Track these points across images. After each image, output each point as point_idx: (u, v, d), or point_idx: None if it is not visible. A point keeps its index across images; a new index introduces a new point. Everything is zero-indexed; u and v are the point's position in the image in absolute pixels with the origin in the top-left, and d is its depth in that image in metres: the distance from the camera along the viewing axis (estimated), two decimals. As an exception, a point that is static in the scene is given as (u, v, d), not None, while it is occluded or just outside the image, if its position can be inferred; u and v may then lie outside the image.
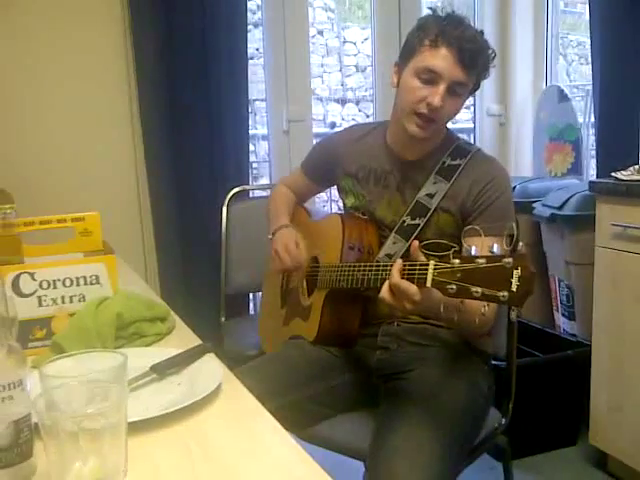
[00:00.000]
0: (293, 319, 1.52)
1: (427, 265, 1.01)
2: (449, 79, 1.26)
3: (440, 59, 1.26)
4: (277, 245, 1.48)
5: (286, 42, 2.49)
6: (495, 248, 0.95)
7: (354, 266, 1.27)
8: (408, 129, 1.31)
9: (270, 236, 1.56)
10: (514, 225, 1.06)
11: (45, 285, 1.12)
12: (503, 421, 1.43)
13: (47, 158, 2.16)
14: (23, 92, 2.13)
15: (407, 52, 1.32)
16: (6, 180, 1.99)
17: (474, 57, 1.26)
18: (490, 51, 1.31)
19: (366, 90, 3.29)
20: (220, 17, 2.21)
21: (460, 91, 1.29)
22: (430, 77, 1.27)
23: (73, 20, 2.15)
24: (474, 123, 2.98)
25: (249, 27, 2.34)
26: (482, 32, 1.31)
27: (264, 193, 2.29)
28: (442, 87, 1.26)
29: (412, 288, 1.03)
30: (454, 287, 0.96)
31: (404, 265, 1.05)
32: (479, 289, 0.93)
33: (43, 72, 2.13)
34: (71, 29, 2.15)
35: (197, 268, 2.30)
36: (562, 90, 2.82)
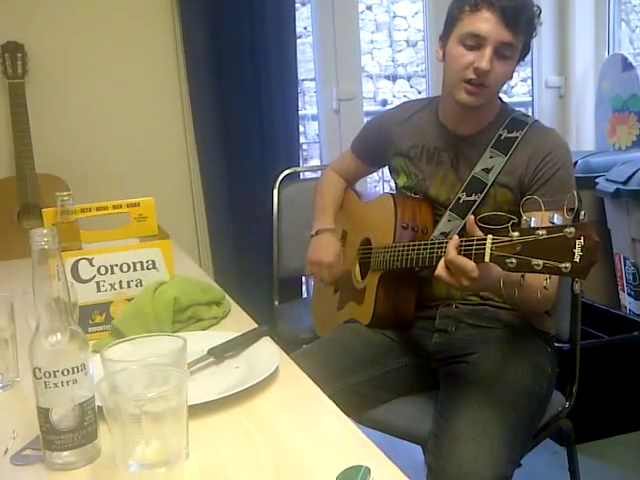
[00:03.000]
0: (347, 303, 1.50)
1: (484, 240, 0.98)
2: (494, 41, 1.22)
3: (483, 22, 1.22)
4: (313, 256, 1.52)
5: (334, 19, 2.44)
6: (556, 219, 0.92)
7: (408, 245, 1.24)
8: (459, 98, 1.27)
9: (312, 233, 1.56)
10: (575, 194, 1.02)
11: (103, 271, 1.14)
12: (567, 404, 1.39)
13: (100, 146, 2.21)
14: (76, 83, 2.16)
15: (448, 23, 1.29)
16: (61, 169, 2.05)
17: (517, 15, 1.22)
18: (534, 8, 1.26)
19: (417, 65, 3.21)
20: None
21: (508, 54, 1.25)
22: (475, 42, 1.23)
23: (123, 11, 2.17)
24: (532, 96, 2.83)
25: (297, 5, 2.32)
26: None
27: (315, 175, 2.27)
28: (488, 50, 1.22)
29: (469, 264, 1.00)
30: (514, 261, 0.93)
31: (461, 241, 1.03)
32: (540, 261, 0.90)
33: (95, 63, 2.17)
34: (121, 17, 2.17)
35: (249, 251, 2.31)
36: (626, 58, 2.69)
